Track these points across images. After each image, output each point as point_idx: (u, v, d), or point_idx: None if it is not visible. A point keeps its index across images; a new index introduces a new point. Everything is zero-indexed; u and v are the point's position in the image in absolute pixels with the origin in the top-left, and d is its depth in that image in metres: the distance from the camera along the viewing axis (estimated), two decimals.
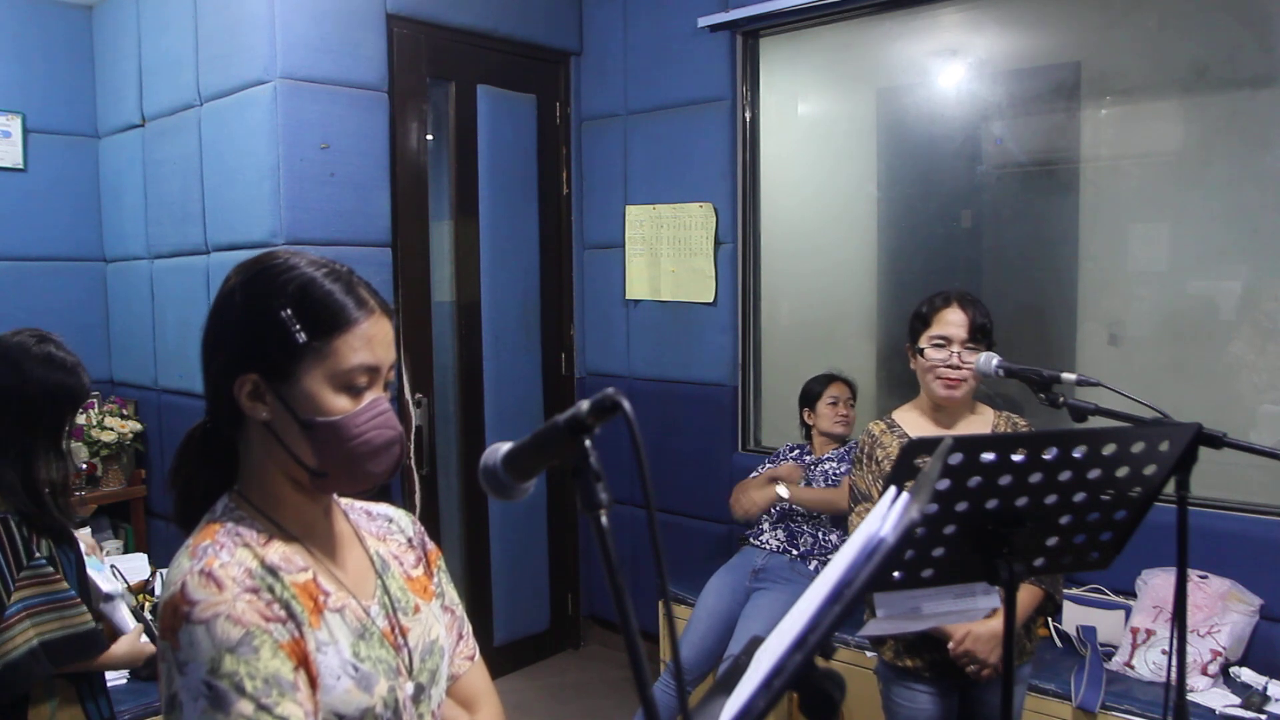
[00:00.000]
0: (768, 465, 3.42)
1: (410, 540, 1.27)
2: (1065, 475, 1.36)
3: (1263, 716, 2.44)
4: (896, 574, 1.42)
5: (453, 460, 3.90)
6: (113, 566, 3.04)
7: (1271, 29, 2.91)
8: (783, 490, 3.19)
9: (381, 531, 1.25)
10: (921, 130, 3.61)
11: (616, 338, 4.17)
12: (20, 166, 3.74)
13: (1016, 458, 1.32)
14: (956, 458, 1.29)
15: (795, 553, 3.20)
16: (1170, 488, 1.45)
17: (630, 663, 0.75)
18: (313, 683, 1.02)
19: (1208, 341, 3.03)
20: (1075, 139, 3.26)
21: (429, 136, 3.65)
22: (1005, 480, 1.34)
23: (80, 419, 3.65)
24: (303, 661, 1.01)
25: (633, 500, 3.85)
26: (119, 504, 3.78)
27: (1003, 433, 2.21)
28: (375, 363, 1.07)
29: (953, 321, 2.16)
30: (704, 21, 3.74)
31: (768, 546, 3.26)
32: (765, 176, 3.89)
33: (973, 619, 1.85)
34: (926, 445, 1.37)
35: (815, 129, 3.99)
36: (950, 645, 2.09)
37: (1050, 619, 2.91)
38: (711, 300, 3.85)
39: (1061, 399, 1.82)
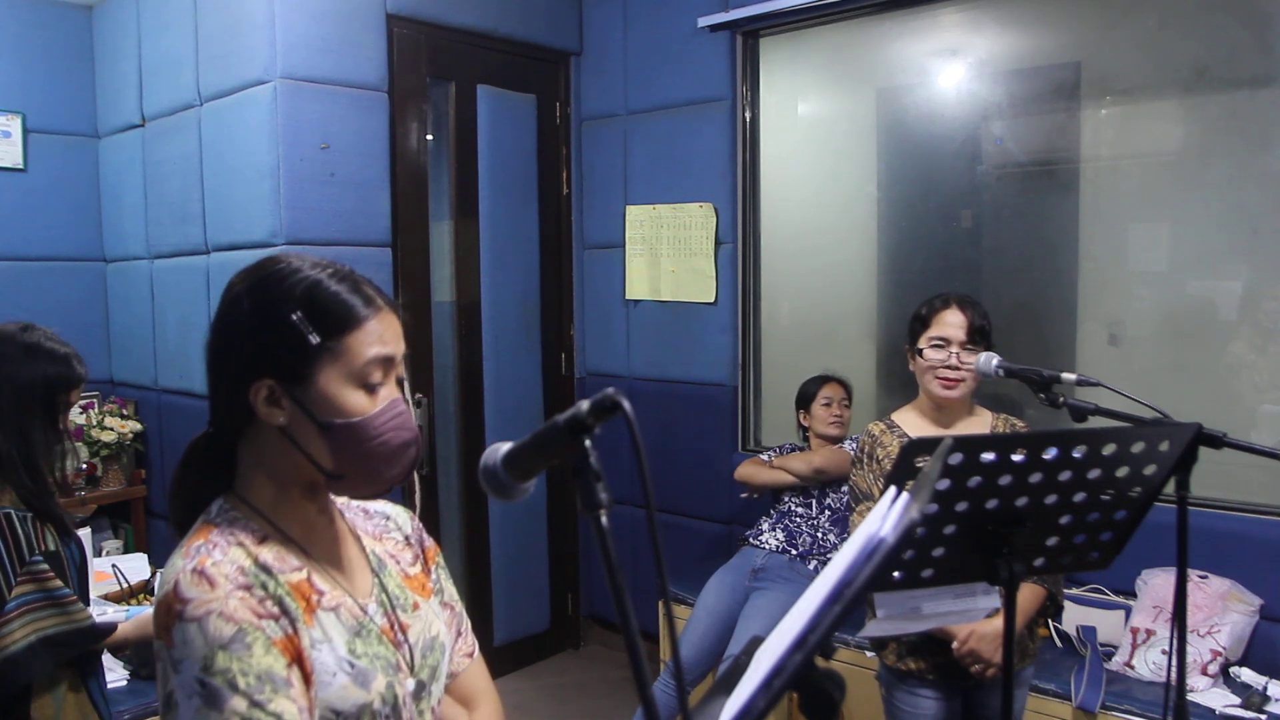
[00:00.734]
0: (774, 455, 3.43)
1: (408, 538, 1.27)
2: (1065, 475, 1.36)
3: (1263, 716, 2.44)
4: (896, 574, 1.42)
5: (453, 460, 3.90)
6: (114, 566, 3.04)
7: (1271, 29, 2.91)
8: (797, 464, 3.25)
9: (378, 530, 1.25)
10: (921, 130, 3.61)
11: (616, 338, 4.17)
12: (20, 166, 3.74)
13: (1016, 458, 1.32)
14: (956, 458, 1.29)
15: (794, 552, 3.20)
16: (1170, 488, 1.45)
17: (630, 663, 0.75)
18: (306, 679, 1.02)
19: (1208, 341, 3.03)
20: (1075, 139, 3.26)
21: (429, 136, 3.65)
22: (1005, 480, 1.34)
23: (80, 419, 3.65)
24: (296, 658, 1.02)
25: (633, 500, 3.85)
26: (119, 504, 3.78)
27: (1003, 433, 2.22)
28: (388, 354, 1.08)
29: (951, 323, 2.17)
30: (704, 21, 3.74)
31: (767, 546, 3.26)
32: (765, 176, 3.89)
33: (973, 619, 1.85)
34: (926, 445, 1.37)
35: (815, 129, 3.99)
36: (954, 645, 2.09)
37: (1050, 619, 2.91)
38: (711, 300, 3.85)
39: (1061, 399, 1.82)
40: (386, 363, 1.08)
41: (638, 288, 4.06)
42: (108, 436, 3.61)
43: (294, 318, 1.04)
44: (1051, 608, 2.21)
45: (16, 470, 1.94)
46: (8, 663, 1.85)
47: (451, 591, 1.29)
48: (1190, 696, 2.51)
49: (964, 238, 3.56)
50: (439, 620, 1.22)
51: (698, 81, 3.83)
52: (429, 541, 1.30)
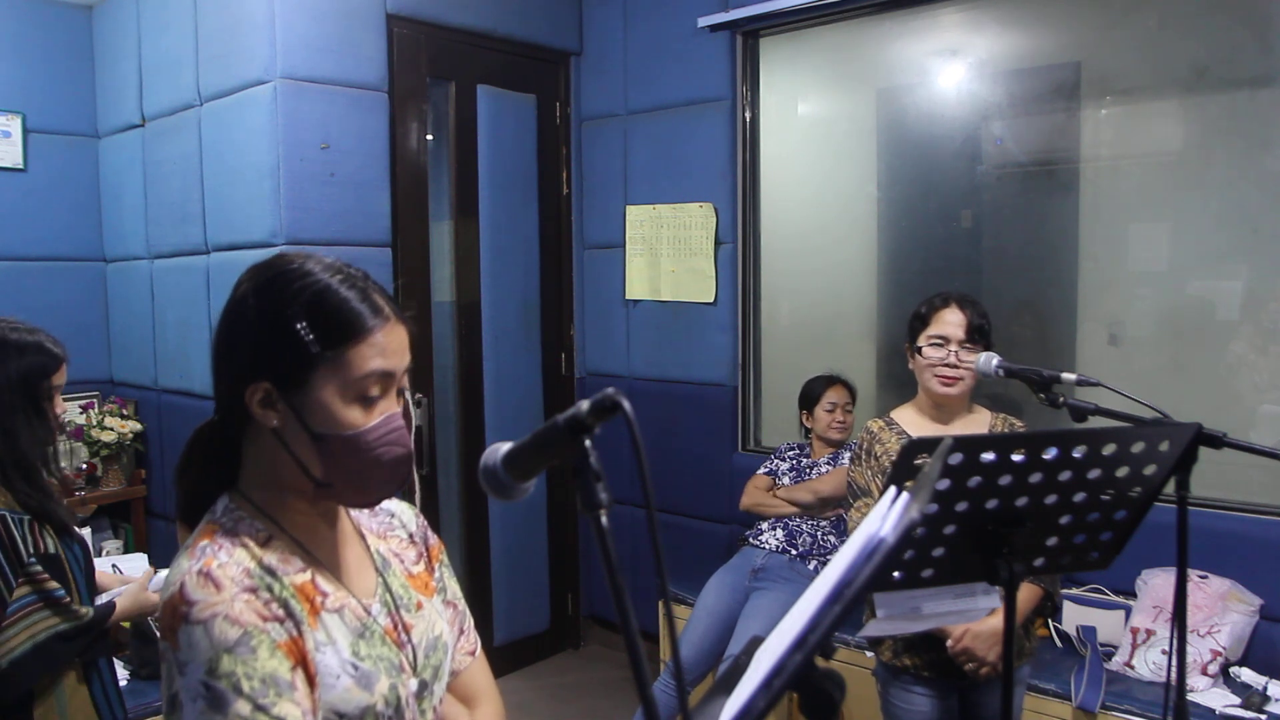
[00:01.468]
0: (773, 461, 3.43)
1: (412, 536, 1.27)
2: (1065, 475, 1.36)
3: (1263, 716, 2.44)
4: (896, 574, 1.42)
5: (453, 460, 3.90)
6: (113, 565, 3.04)
7: (1271, 29, 2.91)
8: (803, 495, 3.24)
9: (383, 528, 1.24)
10: (921, 130, 3.61)
11: (616, 338, 4.17)
12: (20, 166, 3.74)
13: (1016, 458, 1.32)
14: (956, 458, 1.29)
15: (794, 552, 3.20)
16: (1170, 488, 1.45)
17: (630, 663, 0.75)
18: (311, 682, 1.02)
19: (1208, 341, 3.03)
20: (1075, 139, 3.26)
21: (429, 136, 3.65)
22: (1005, 480, 1.34)
23: (80, 419, 3.65)
24: (301, 661, 1.01)
25: (633, 500, 3.85)
26: (119, 504, 3.78)
27: (1003, 433, 2.22)
28: (389, 368, 1.06)
29: (951, 322, 2.18)
30: (704, 21, 3.74)
31: (767, 546, 3.26)
32: (765, 176, 3.90)
33: (973, 619, 1.85)
34: (926, 445, 1.37)
35: (815, 129, 3.99)
36: (949, 643, 2.09)
37: (1050, 619, 2.91)
38: (711, 300, 3.85)
39: (1061, 399, 1.82)
40: (386, 377, 1.07)
41: (638, 288, 4.06)
42: (108, 436, 3.61)
43: (297, 325, 1.03)
44: (1049, 607, 2.21)
45: (5, 472, 1.91)
46: (13, 666, 1.85)
47: (455, 589, 1.29)
48: (1190, 696, 2.51)
49: (964, 238, 3.56)
50: (442, 619, 1.22)
51: (698, 81, 3.83)
52: (433, 539, 1.29)
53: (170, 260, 3.62)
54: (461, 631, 1.28)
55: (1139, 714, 2.53)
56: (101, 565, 3.13)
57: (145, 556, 3.36)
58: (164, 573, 2.76)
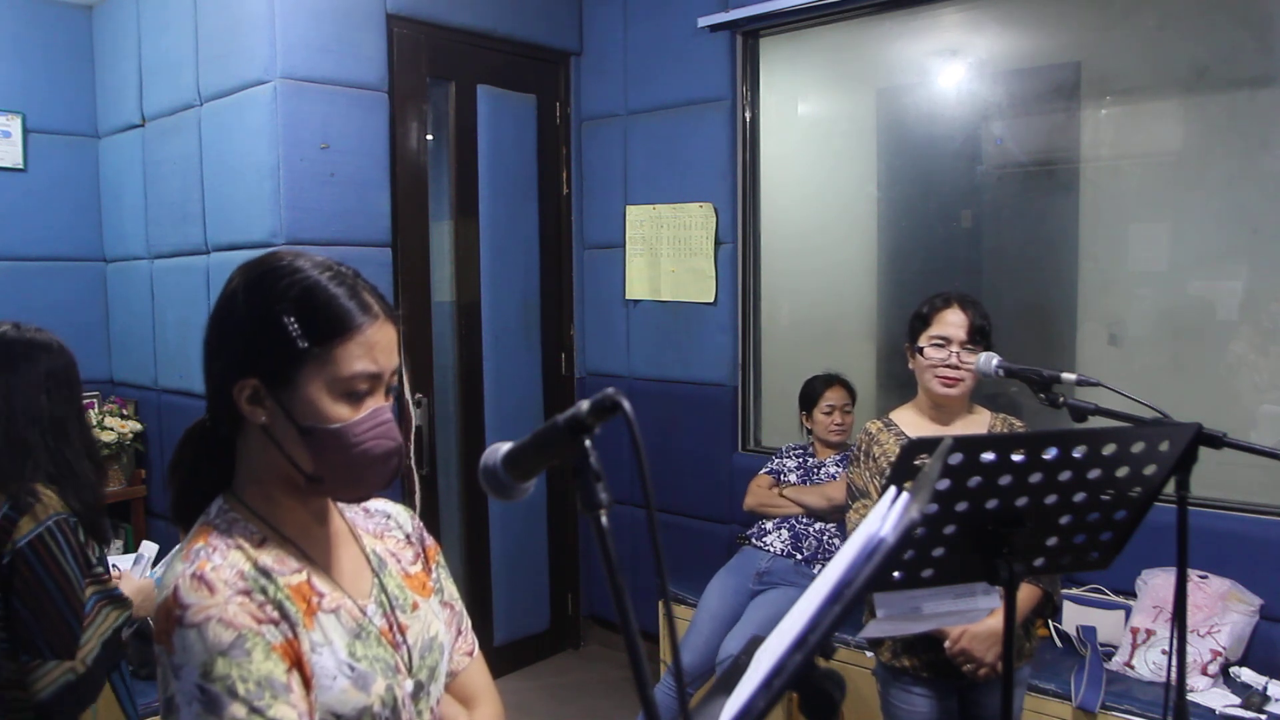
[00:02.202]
0: (776, 461, 3.43)
1: (408, 536, 1.26)
2: (1065, 475, 1.36)
3: (1263, 716, 2.44)
4: (896, 574, 1.42)
5: (453, 460, 3.90)
6: (114, 566, 3.04)
7: (1271, 29, 2.91)
8: (812, 499, 3.24)
9: (379, 529, 1.24)
10: (921, 130, 3.61)
11: (616, 338, 4.17)
12: (20, 166, 3.74)
13: (1016, 458, 1.32)
14: (956, 458, 1.28)
15: (800, 556, 3.19)
16: (1170, 488, 1.45)
17: (630, 663, 0.75)
18: (306, 683, 1.02)
19: (1208, 341, 3.03)
20: (1075, 139, 3.26)
21: (429, 136, 3.65)
22: (1005, 480, 1.34)
23: None
24: (296, 662, 1.01)
25: (633, 500, 3.85)
26: (119, 504, 3.78)
27: (1003, 433, 2.22)
28: (376, 370, 1.06)
29: (952, 322, 2.18)
30: (704, 21, 3.74)
31: (772, 549, 3.24)
32: (765, 176, 3.89)
33: (973, 619, 1.85)
34: (926, 445, 1.37)
35: (815, 129, 3.99)
36: (947, 644, 2.09)
37: (1050, 619, 2.91)
38: (711, 300, 3.85)
39: (1061, 399, 1.82)
40: (373, 379, 1.06)
41: (638, 288, 4.06)
42: (108, 436, 3.61)
43: (285, 320, 1.03)
44: (1049, 608, 2.21)
45: (63, 472, 1.91)
46: (93, 668, 1.87)
47: (451, 590, 1.29)
48: (1190, 696, 2.51)
49: (964, 238, 3.56)
50: (438, 620, 1.22)
51: (698, 81, 3.83)
52: (429, 540, 1.29)
53: (170, 260, 3.62)
54: (459, 632, 1.28)
55: (1139, 714, 2.53)
56: None
57: (156, 546, 3.31)
58: (152, 546, 2.77)
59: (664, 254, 3.95)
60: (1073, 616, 2.93)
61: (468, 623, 1.30)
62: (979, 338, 2.17)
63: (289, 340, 1.03)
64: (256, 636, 0.98)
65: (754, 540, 3.33)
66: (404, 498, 3.57)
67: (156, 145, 3.64)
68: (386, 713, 1.08)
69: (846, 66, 3.86)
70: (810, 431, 3.43)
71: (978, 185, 3.50)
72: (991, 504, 1.36)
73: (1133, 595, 2.85)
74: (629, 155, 4.06)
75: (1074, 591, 2.96)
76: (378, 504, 1.27)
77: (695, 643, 3.12)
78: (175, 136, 3.53)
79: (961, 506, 1.35)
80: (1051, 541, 1.47)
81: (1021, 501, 1.37)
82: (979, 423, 2.26)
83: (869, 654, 2.49)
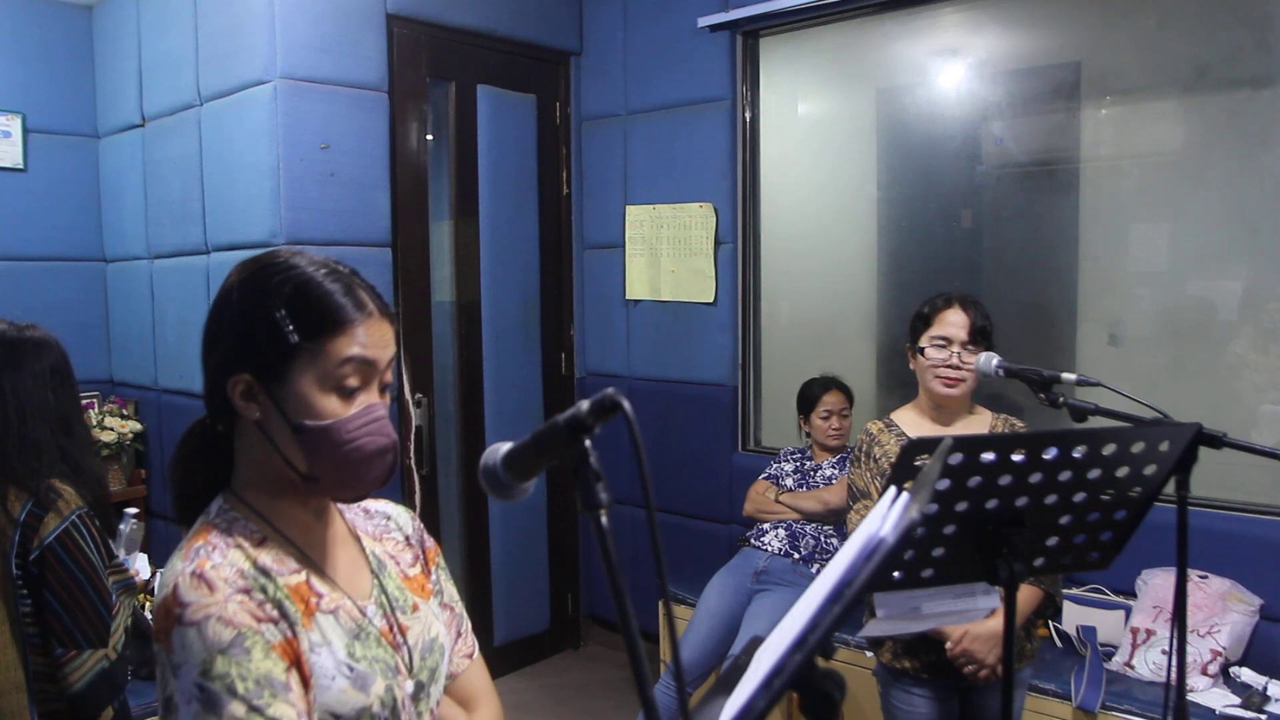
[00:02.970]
0: (775, 465, 3.43)
1: (408, 538, 1.26)
2: (1065, 475, 1.36)
3: (1263, 716, 2.44)
4: (896, 574, 1.42)
5: (453, 460, 3.90)
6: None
7: (1271, 29, 2.91)
8: (809, 504, 3.24)
9: (379, 530, 1.24)
10: (921, 130, 3.61)
11: (616, 338, 4.17)
12: (20, 166, 3.74)
13: (1016, 458, 1.32)
14: (956, 458, 1.28)
15: (797, 555, 3.20)
16: (1170, 488, 1.45)
17: (630, 663, 0.75)
18: (305, 683, 1.02)
19: (1208, 341, 3.03)
20: (1075, 139, 3.26)
21: (429, 136, 3.65)
22: (1005, 480, 1.34)
23: None
24: (295, 662, 1.01)
25: (633, 500, 3.85)
26: (119, 504, 3.77)
27: (1003, 433, 2.22)
28: (367, 357, 1.05)
29: (954, 322, 2.17)
30: (704, 21, 3.74)
31: (770, 548, 3.25)
32: (765, 176, 3.89)
33: (973, 619, 1.85)
34: (926, 445, 1.37)
35: (815, 129, 3.99)
36: (948, 645, 2.08)
37: (1049, 620, 2.91)
38: (711, 300, 3.85)
39: (1061, 399, 1.82)
40: (366, 366, 1.06)
41: (638, 288, 4.06)
42: (108, 436, 3.61)
43: (277, 314, 1.03)
44: (1050, 609, 2.21)
45: (76, 467, 1.93)
46: (121, 655, 1.89)
47: (451, 592, 1.28)
48: (1190, 696, 2.51)
49: (964, 238, 3.56)
50: (438, 621, 1.21)
51: (698, 81, 3.83)
52: (429, 542, 1.29)
53: (170, 260, 3.62)
54: (459, 634, 1.27)
55: (1139, 714, 2.53)
56: None
57: (145, 556, 3.34)
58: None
59: (664, 254, 3.95)
60: (1073, 616, 2.93)
61: (468, 624, 1.30)
62: (980, 338, 2.17)
63: (281, 334, 1.03)
64: (256, 635, 0.98)
65: (752, 540, 3.34)
66: (404, 498, 3.57)
67: (156, 145, 3.64)
68: (386, 713, 1.08)
69: (846, 66, 3.87)
70: (808, 435, 3.43)
71: (978, 185, 3.50)
72: (991, 504, 1.36)
73: (1133, 595, 2.86)
74: (629, 155, 4.06)
75: (1074, 591, 2.96)
76: (378, 505, 1.27)
77: (694, 642, 3.13)
78: (175, 136, 3.53)
79: (962, 506, 1.35)
80: (1052, 541, 1.47)
81: (1021, 501, 1.37)
82: (980, 423, 2.26)
83: (869, 654, 2.49)
